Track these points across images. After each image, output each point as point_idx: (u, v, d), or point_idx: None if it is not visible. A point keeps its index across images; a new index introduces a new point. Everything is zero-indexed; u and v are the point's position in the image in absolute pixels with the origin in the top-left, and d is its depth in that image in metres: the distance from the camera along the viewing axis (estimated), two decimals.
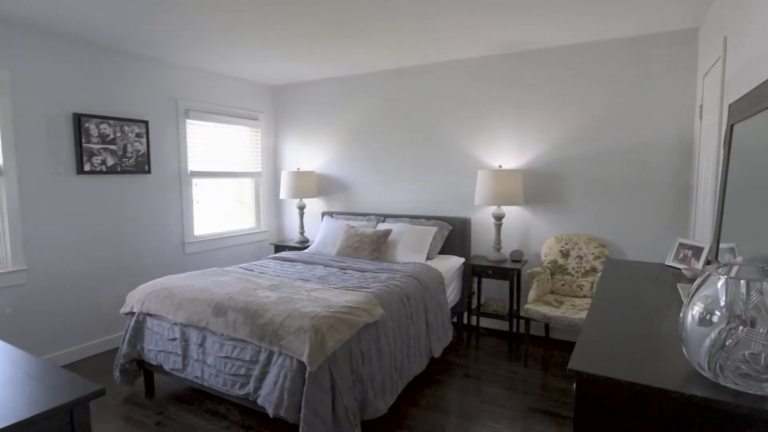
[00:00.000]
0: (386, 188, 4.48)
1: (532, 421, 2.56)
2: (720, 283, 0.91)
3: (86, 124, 3.42)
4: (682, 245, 2.15)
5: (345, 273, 3.24)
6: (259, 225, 5.11)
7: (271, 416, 2.14)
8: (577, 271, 3.47)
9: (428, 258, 3.72)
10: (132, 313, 2.84)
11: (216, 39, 3.38)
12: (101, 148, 3.53)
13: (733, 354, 0.88)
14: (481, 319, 4.02)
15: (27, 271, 3.16)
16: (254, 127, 4.93)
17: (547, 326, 3.73)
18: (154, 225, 3.98)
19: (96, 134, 3.49)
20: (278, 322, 2.19)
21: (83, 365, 3.37)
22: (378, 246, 3.74)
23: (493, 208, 3.75)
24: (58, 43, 3.27)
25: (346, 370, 2.16)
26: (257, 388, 2.22)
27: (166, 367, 2.65)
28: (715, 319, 0.89)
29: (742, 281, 0.90)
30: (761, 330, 0.86)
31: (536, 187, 3.74)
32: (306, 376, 2.05)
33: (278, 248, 4.77)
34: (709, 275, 0.95)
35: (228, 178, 4.72)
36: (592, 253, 3.44)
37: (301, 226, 4.81)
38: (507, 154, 3.84)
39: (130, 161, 3.73)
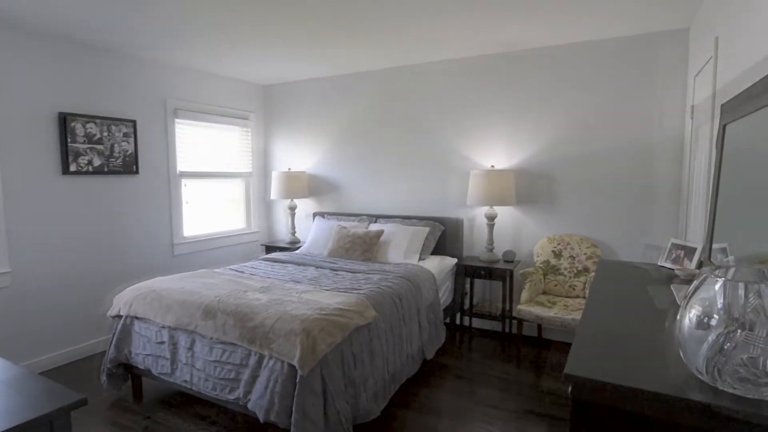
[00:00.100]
0: (378, 189, 4.46)
1: (526, 423, 2.55)
2: (717, 286, 0.90)
3: (72, 124, 3.34)
4: (674, 245, 2.15)
5: (337, 274, 3.20)
6: (249, 226, 5.05)
7: (261, 421, 2.11)
8: (569, 272, 3.47)
9: (420, 258, 3.69)
10: (119, 317, 2.79)
11: (206, 38, 3.33)
12: (87, 148, 3.45)
13: (731, 358, 0.87)
14: (474, 319, 4.01)
15: (11, 273, 3.09)
16: (244, 127, 4.87)
17: (539, 327, 3.72)
18: (142, 226, 3.91)
19: (82, 134, 3.42)
20: (269, 325, 2.15)
21: (70, 369, 3.30)
22: (370, 247, 3.71)
23: (486, 209, 3.74)
24: (43, 42, 3.19)
25: (337, 373, 2.13)
26: (247, 393, 2.18)
27: (155, 372, 2.60)
28: (713, 322, 0.88)
29: (740, 284, 0.89)
30: (760, 333, 0.85)
31: (528, 188, 3.74)
32: (297, 380, 2.01)
33: (269, 249, 4.72)
34: (707, 278, 0.94)
35: (218, 179, 4.65)
36: (585, 254, 3.44)
37: (293, 227, 4.77)
38: (499, 155, 3.83)
39: (118, 161, 3.66)
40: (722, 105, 1.93)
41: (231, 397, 2.25)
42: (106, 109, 3.59)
